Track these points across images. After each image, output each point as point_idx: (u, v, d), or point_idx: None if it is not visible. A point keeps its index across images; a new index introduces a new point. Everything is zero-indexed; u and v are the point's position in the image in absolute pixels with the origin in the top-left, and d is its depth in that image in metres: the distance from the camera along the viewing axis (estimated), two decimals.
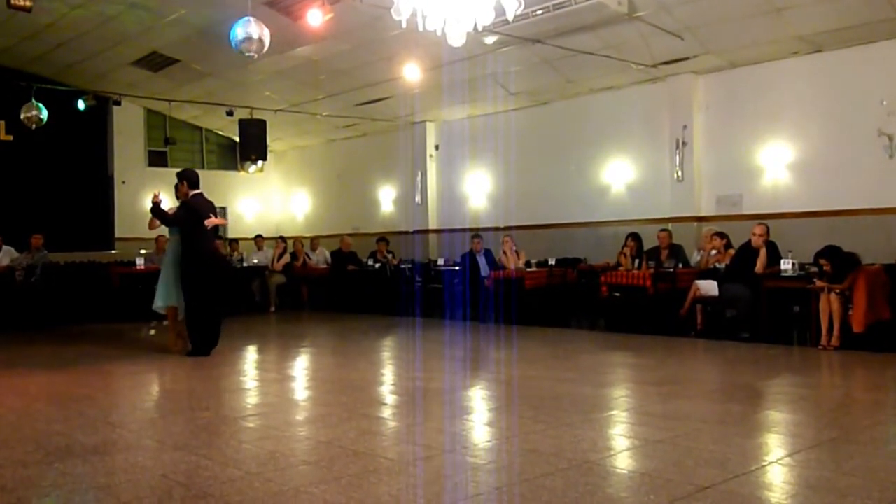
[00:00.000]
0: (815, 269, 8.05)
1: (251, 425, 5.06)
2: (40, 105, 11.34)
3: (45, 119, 11.44)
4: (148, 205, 15.42)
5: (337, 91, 12.80)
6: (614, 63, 10.34)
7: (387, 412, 5.38)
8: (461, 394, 5.96)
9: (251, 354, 7.63)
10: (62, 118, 12.40)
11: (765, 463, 3.92)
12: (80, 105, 12.26)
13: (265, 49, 7.36)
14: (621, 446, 4.30)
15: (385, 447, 4.34)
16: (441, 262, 12.41)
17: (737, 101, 10.55)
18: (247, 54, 7.26)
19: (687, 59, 10.19)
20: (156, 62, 12.45)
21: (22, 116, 11.36)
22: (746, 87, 10.44)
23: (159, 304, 7.89)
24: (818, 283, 7.82)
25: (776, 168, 10.19)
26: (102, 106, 13.96)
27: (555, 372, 6.87)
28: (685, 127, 10.86)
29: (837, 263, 7.76)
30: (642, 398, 5.70)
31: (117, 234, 15.18)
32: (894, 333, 7.51)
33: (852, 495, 3.31)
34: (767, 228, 8.70)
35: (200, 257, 7.64)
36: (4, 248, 11.81)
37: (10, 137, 13.45)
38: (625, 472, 3.79)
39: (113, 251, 14.50)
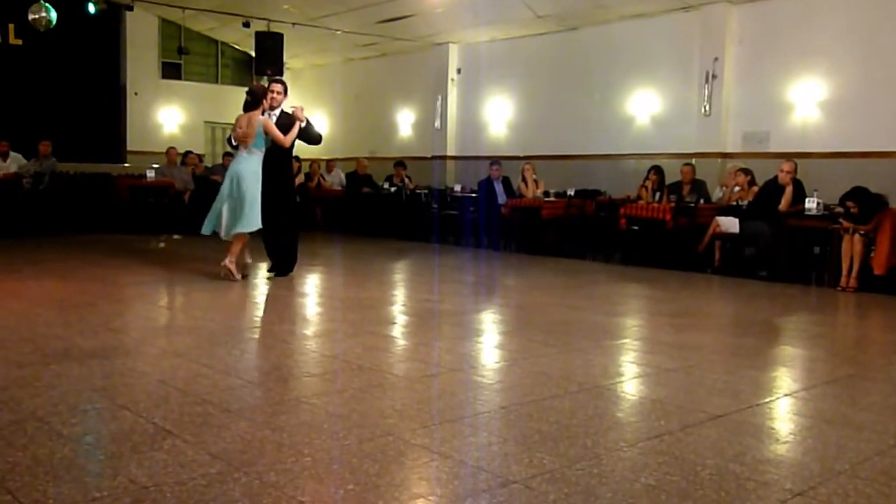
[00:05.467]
0: (840, 209, 7.81)
1: (255, 337, 4.99)
2: (49, 6, 11.00)
3: (55, 21, 11.08)
4: (162, 118, 15.54)
5: (357, 6, 12.39)
6: None
7: (395, 331, 5.28)
8: (471, 317, 5.86)
9: (260, 271, 7.52)
10: (73, 23, 12.10)
11: (779, 395, 3.80)
12: (91, 8, 11.92)
13: None
14: (632, 373, 4.18)
15: (391, 363, 4.25)
16: (458, 188, 12.22)
17: (772, 33, 10.10)
18: None
19: None
20: None
21: (30, 18, 11.01)
22: (783, 20, 9.98)
23: (254, 226, 6.72)
24: (844, 224, 7.60)
25: (806, 106, 9.82)
26: (114, 12, 13.64)
27: (567, 300, 6.75)
28: (716, 59, 10.45)
29: (864, 204, 7.54)
30: (655, 328, 5.58)
31: (129, 146, 15.01)
32: None
33: (868, 430, 3.20)
34: (796, 165, 8.41)
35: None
36: (12, 154, 11.59)
37: (20, 42, 13.19)
38: (635, 397, 3.68)
39: (125, 164, 14.35)
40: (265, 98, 6.86)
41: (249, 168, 6.75)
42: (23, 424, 2.95)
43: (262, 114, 6.85)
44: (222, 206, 6.78)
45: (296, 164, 13.82)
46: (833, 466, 2.77)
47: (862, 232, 7.49)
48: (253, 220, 6.72)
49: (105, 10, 12.37)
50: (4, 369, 3.74)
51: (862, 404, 3.63)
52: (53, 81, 13.65)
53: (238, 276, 6.87)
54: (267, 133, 6.78)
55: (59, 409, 3.15)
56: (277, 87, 7.05)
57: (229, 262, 6.85)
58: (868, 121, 9.28)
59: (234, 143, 7.01)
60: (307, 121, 7.09)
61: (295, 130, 6.93)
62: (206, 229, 6.90)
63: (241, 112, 6.90)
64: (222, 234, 6.84)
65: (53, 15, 11.03)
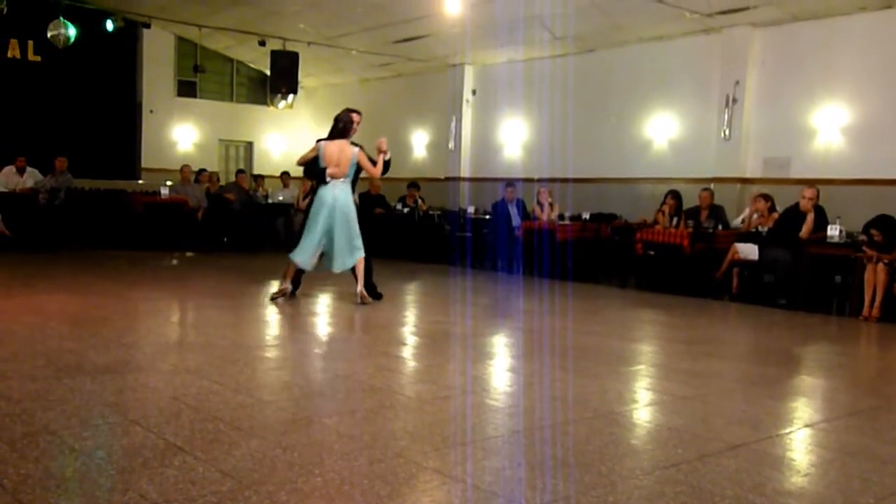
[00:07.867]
0: (863, 237, 7.70)
1: (267, 355, 4.96)
2: (68, 23, 11.11)
3: (73, 38, 11.20)
4: (177, 136, 15.61)
5: (373, 25, 12.41)
6: (667, 10, 9.86)
7: (407, 352, 5.24)
8: (484, 339, 5.81)
9: (272, 290, 7.49)
10: (91, 40, 12.22)
11: (799, 426, 3.72)
12: (109, 26, 12.05)
13: None
14: (648, 400, 4.11)
15: (403, 384, 4.21)
16: (471, 210, 12.18)
17: (795, 57, 10.03)
18: None
19: (745, 9, 9.64)
20: None
21: (49, 34, 11.13)
22: (806, 43, 9.91)
23: (351, 260, 6.93)
24: (867, 252, 7.49)
25: (829, 131, 9.72)
26: (132, 30, 13.79)
27: (582, 324, 6.68)
28: (737, 83, 10.38)
29: (888, 233, 7.44)
30: (671, 355, 5.50)
31: (143, 164, 15.09)
32: None
33: (894, 463, 3.12)
34: (818, 192, 8.32)
35: None
36: (28, 169, 11.68)
37: (39, 58, 13.33)
38: (651, 425, 3.61)
39: (139, 181, 14.43)
40: (352, 127, 6.93)
41: (350, 197, 6.90)
42: (35, 437, 2.93)
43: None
44: (339, 239, 6.80)
45: (307, 183, 13.91)
46: (857, 500, 2.70)
47: (886, 261, 7.37)
48: (348, 254, 6.88)
49: (123, 27, 12.48)
50: (18, 382, 3.73)
51: (886, 437, 3.54)
52: (70, 98, 13.77)
53: (370, 299, 6.97)
54: (359, 164, 6.88)
55: (71, 423, 3.13)
56: (357, 117, 7.07)
57: (363, 289, 6.94)
58: (893, 147, 9.16)
59: (326, 178, 6.85)
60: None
61: (381, 162, 7.07)
62: (329, 265, 6.90)
63: (324, 139, 6.91)
64: (339, 267, 6.87)
65: (72, 32, 11.16)
